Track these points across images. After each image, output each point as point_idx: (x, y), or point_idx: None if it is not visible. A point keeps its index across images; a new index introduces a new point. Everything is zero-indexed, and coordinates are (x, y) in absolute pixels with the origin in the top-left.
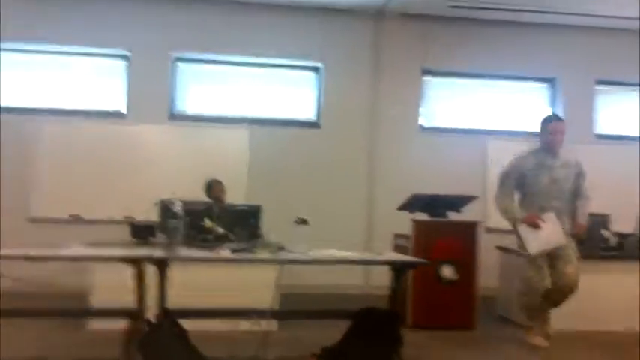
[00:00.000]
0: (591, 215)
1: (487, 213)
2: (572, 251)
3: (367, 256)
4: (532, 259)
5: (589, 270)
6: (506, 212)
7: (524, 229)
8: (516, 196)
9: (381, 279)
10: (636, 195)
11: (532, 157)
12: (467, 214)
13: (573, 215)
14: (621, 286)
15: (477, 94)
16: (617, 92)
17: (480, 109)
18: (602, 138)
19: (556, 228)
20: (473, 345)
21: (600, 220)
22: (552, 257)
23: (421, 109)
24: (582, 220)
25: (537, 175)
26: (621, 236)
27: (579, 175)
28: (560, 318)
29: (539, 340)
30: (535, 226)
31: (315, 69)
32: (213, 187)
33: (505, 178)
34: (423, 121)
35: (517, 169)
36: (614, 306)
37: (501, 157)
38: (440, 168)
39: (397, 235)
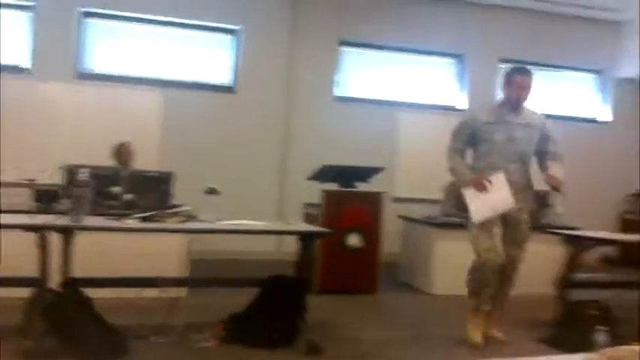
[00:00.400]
0: None
1: (395, 183)
2: (525, 225)
3: (276, 226)
4: (483, 228)
5: None
6: (454, 172)
7: (469, 193)
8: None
9: (293, 245)
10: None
11: (490, 111)
12: (375, 184)
13: (544, 171)
14: (540, 253)
15: (389, 67)
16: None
17: (392, 82)
18: None
19: (504, 190)
20: (373, 308)
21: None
22: (506, 237)
23: (336, 79)
24: (557, 173)
25: (493, 132)
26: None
27: (546, 138)
28: (462, 284)
29: (478, 337)
30: (481, 188)
31: (233, 32)
32: (121, 151)
33: (456, 133)
34: (337, 90)
35: (470, 123)
36: (534, 271)
37: (411, 129)
38: (352, 138)
39: (307, 204)
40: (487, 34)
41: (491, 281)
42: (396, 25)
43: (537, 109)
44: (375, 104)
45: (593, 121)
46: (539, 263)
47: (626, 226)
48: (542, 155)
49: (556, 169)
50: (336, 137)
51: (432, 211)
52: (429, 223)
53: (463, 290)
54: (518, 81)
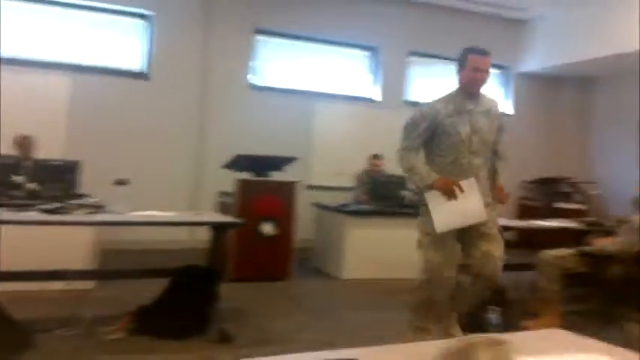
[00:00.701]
0: (391, 176)
1: (310, 171)
2: (495, 226)
3: (187, 217)
4: (435, 238)
5: (389, 225)
6: (412, 173)
7: (433, 198)
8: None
9: (206, 234)
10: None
11: (448, 101)
12: (290, 173)
13: (492, 177)
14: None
15: (305, 57)
16: (426, 64)
17: (308, 72)
18: (412, 104)
19: (475, 199)
20: (285, 294)
21: (400, 181)
22: (470, 234)
23: (251, 67)
24: (502, 184)
25: (455, 123)
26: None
27: (500, 131)
28: (371, 269)
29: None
30: (450, 194)
31: (145, 17)
32: (21, 143)
33: (412, 128)
34: (253, 79)
35: (429, 115)
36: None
37: (326, 119)
38: (268, 126)
39: (222, 193)
40: (398, 28)
41: (440, 301)
42: (311, 15)
43: (493, 95)
44: (290, 93)
45: None
46: None
47: (523, 210)
48: (494, 149)
49: (502, 179)
50: (251, 126)
51: (346, 198)
52: (341, 210)
53: (371, 274)
54: (473, 62)
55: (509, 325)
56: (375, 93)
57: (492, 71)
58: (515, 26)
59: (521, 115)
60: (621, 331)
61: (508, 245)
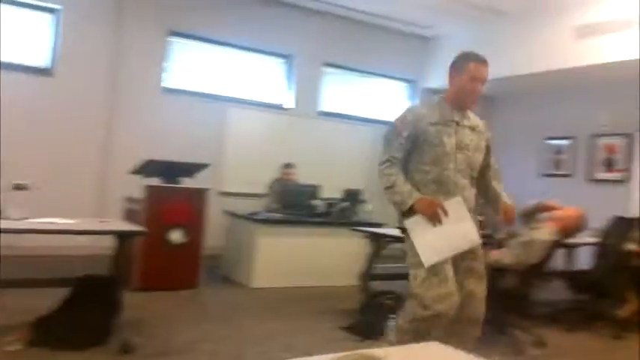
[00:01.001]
0: (303, 186)
1: (223, 178)
2: (482, 259)
3: (89, 225)
4: (432, 268)
5: (300, 234)
6: (392, 191)
7: (414, 226)
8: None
9: (111, 240)
10: (342, 165)
11: (433, 108)
12: (202, 180)
13: (495, 199)
14: (347, 247)
15: (220, 61)
16: (339, 74)
17: (223, 77)
18: (326, 114)
19: (465, 221)
20: (192, 303)
21: (312, 190)
22: (455, 267)
23: (165, 70)
24: (510, 203)
25: (440, 132)
26: (329, 205)
27: (488, 149)
28: (280, 277)
29: None
30: (434, 218)
31: (52, 11)
32: None
33: (393, 137)
34: (165, 82)
35: (411, 121)
36: (341, 264)
37: (240, 125)
38: (180, 131)
39: (129, 199)
40: (314, 38)
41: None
42: (228, 20)
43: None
44: (204, 98)
45: None
46: (347, 257)
47: None
48: (484, 171)
49: (507, 198)
50: (162, 130)
51: (258, 206)
52: (252, 218)
53: (281, 283)
54: (473, 71)
55: None
56: (290, 101)
57: (400, 84)
58: (423, 42)
59: None
60: (512, 338)
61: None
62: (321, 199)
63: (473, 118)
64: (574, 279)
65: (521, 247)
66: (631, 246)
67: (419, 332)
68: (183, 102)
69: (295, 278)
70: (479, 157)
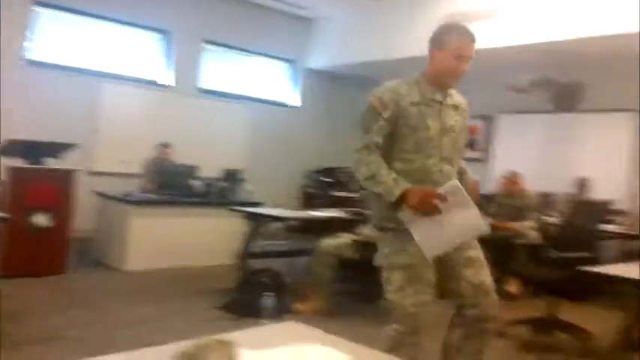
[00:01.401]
0: (180, 165)
1: (95, 157)
2: (478, 245)
3: None
4: (409, 271)
5: (176, 214)
6: (374, 181)
7: (409, 217)
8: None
9: None
10: (222, 145)
11: (411, 86)
12: (73, 159)
13: (460, 177)
14: (224, 227)
15: (94, 35)
16: (219, 52)
17: (96, 51)
18: (206, 92)
19: (468, 207)
20: (61, 289)
21: (189, 170)
22: (449, 262)
23: (29, 41)
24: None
25: (423, 114)
26: (207, 185)
27: (466, 130)
28: (155, 259)
29: None
30: (430, 212)
31: None
32: None
33: (371, 118)
34: (30, 53)
35: (392, 99)
36: (218, 244)
37: (114, 102)
38: (46, 108)
39: None
40: (193, 14)
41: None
42: None
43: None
44: (75, 72)
45: (284, 105)
46: (225, 237)
47: (307, 198)
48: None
49: (472, 175)
50: (26, 107)
51: (132, 187)
52: (125, 200)
53: (157, 264)
54: (460, 48)
55: (283, 309)
56: (169, 79)
57: (281, 64)
58: (305, 23)
59: (307, 108)
60: (378, 308)
61: (295, 231)
62: (200, 179)
63: (455, 96)
64: None
65: None
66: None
67: (407, 353)
68: (51, 76)
69: (171, 259)
70: (464, 139)
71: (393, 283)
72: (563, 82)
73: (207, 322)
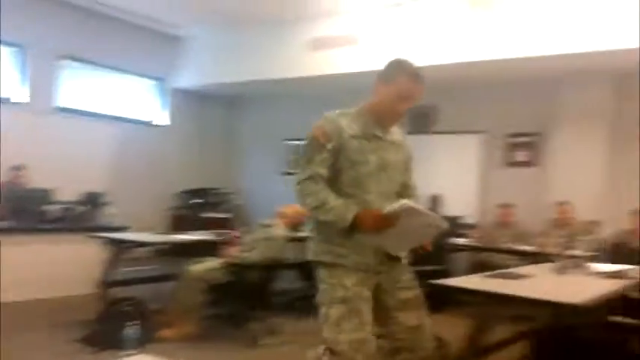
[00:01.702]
0: (34, 190)
1: None
2: (414, 282)
3: None
4: (348, 305)
5: (29, 242)
6: (323, 210)
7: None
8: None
9: None
10: (83, 167)
11: (353, 119)
12: None
13: None
14: (83, 254)
15: None
16: (80, 69)
17: None
18: (64, 110)
19: (424, 215)
20: None
21: (43, 195)
22: (383, 303)
23: None
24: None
25: (363, 149)
26: (65, 209)
27: (409, 168)
28: (5, 292)
29: None
30: (388, 225)
31: None
32: None
33: (315, 149)
34: None
35: (334, 132)
36: (76, 273)
37: None
38: None
39: None
40: (50, 28)
41: None
42: None
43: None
44: None
45: (151, 124)
46: (84, 264)
47: (176, 221)
48: (401, 191)
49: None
50: None
51: None
52: None
53: (8, 297)
54: (407, 89)
55: (147, 338)
56: (23, 95)
57: (148, 82)
58: (173, 42)
59: (176, 127)
60: (247, 331)
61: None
62: (56, 203)
63: (395, 132)
64: (304, 269)
65: (263, 244)
66: None
67: None
68: None
69: (25, 291)
70: (402, 176)
71: (329, 318)
72: (419, 106)
73: (66, 356)
